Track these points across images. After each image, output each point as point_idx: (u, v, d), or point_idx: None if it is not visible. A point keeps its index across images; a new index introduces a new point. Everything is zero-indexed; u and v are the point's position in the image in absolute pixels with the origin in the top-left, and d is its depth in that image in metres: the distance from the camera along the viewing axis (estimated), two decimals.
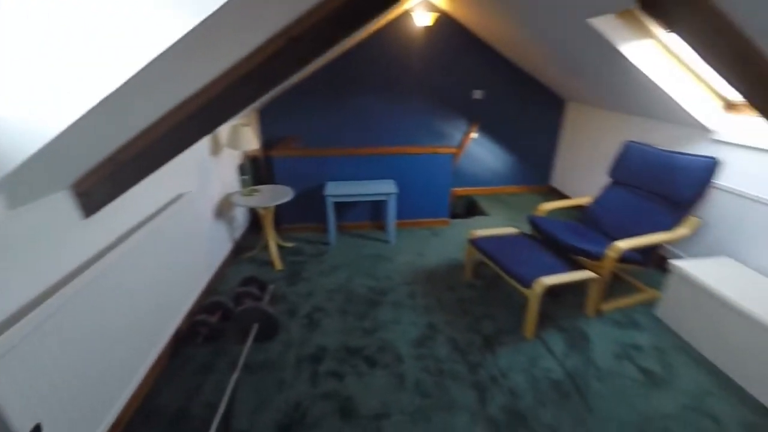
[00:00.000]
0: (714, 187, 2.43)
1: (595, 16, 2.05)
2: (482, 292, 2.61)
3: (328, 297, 2.58)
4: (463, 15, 3.51)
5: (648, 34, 2.27)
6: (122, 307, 1.65)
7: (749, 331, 1.79)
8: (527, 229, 2.79)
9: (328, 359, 2.05)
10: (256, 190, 2.92)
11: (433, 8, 3.61)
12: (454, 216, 4.34)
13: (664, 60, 2.35)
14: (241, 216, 3.39)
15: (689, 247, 2.63)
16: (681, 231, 2.31)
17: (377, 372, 1.97)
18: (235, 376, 1.84)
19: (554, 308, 2.42)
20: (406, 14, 3.62)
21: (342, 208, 3.48)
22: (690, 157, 2.35)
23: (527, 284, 2.06)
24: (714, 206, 2.45)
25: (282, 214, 3.44)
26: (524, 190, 4.51)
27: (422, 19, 3.54)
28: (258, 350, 2.11)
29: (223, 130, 2.89)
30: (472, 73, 3.94)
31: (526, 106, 4.15)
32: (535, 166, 4.46)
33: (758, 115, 1.74)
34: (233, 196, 2.86)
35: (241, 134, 2.71)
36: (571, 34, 2.49)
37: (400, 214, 3.53)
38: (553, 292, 2.56)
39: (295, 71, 1.65)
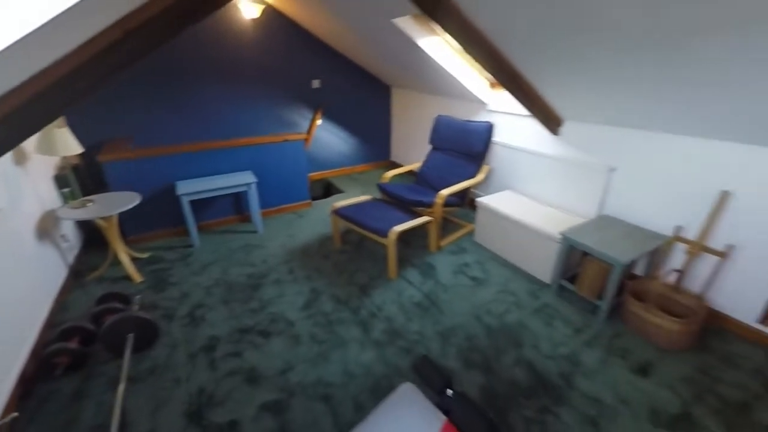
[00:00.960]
0: (494, 143, 3.41)
1: (397, 17, 2.61)
2: (352, 254, 3.03)
3: (207, 293, 2.56)
4: (289, 9, 3.73)
5: (436, 32, 3.00)
6: None
7: (526, 235, 2.70)
8: (378, 195, 3.32)
9: (223, 344, 2.12)
10: (89, 201, 2.58)
11: (259, 0, 3.71)
12: (314, 199, 4.65)
13: (450, 52, 3.13)
14: (72, 234, 2.90)
15: (487, 187, 3.62)
16: (479, 177, 3.19)
17: (273, 340, 2.15)
18: (121, 386, 1.74)
19: (408, 252, 3.02)
20: (232, 6, 3.62)
21: (201, 206, 3.35)
22: (476, 122, 3.23)
23: (384, 234, 2.55)
24: (496, 157, 3.45)
25: (127, 225, 3.09)
26: (370, 167, 5.14)
27: (249, 11, 3.61)
28: (141, 360, 2.00)
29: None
30: (308, 64, 4.23)
31: (360, 93, 4.70)
32: (376, 145, 5.13)
33: (505, 90, 2.59)
34: (59, 211, 2.46)
35: (55, 138, 2.33)
36: (382, 31, 3.04)
37: (264, 204, 3.63)
38: (404, 240, 3.18)
39: (131, 64, 1.63)
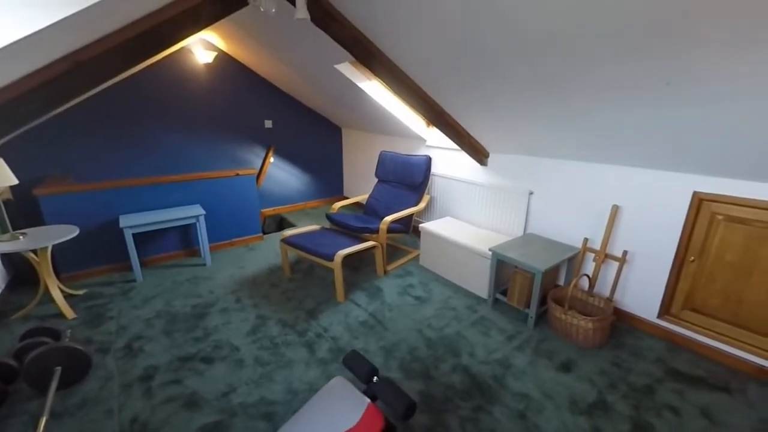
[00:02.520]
0: (434, 174, 3.73)
1: (338, 63, 2.94)
2: (301, 282, 3.08)
3: (147, 325, 2.49)
4: (241, 55, 4.01)
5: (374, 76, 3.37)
6: None
7: (463, 255, 2.93)
8: (328, 226, 3.47)
9: (162, 373, 2.06)
10: (21, 233, 2.49)
11: (212, 47, 3.96)
12: (266, 233, 4.69)
13: (388, 94, 3.51)
14: None
15: (430, 215, 3.89)
16: (421, 205, 3.46)
17: (216, 365, 2.13)
18: (43, 420, 1.64)
19: (357, 277, 3.14)
20: (186, 51, 3.83)
21: (147, 241, 3.29)
22: (416, 156, 3.55)
23: (330, 258, 2.67)
24: (436, 186, 3.77)
25: (63, 262, 2.97)
26: (324, 203, 5.31)
27: (203, 56, 3.84)
28: (70, 394, 1.90)
29: None
30: (261, 105, 4.46)
31: (311, 133, 4.97)
32: (328, 181, 5.34)
33: (435, 128, 2.94)
34: None
35: None
36: (326, 75, 3.37)
37: (214, 237, 3.63)
38: (353, 266, 3.30)
39: (79, 94, 1.72)
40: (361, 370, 1.31)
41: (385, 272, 3.23)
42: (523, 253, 2.53)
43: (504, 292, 2.68)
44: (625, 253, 2.40)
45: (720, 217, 2.04)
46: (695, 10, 1.18)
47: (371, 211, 3.68)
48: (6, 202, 2.88)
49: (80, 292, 2.87)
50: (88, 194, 2.98)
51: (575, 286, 2.52)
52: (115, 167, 3.72)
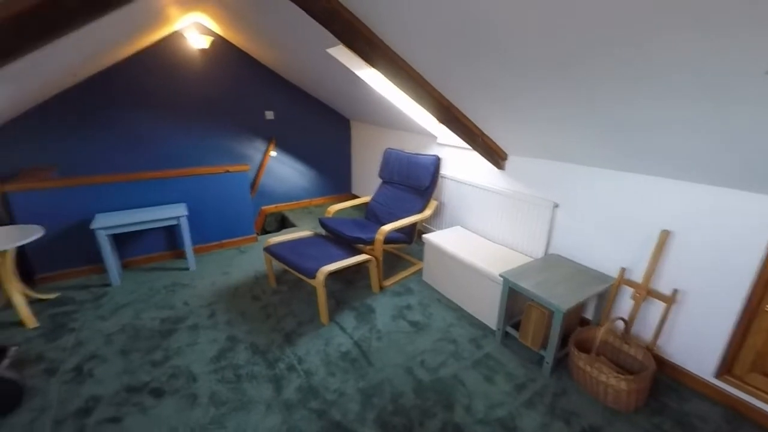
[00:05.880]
0: (444, 177, 3.27)
1: (330, 47, 2.52)
2: (286, 295, 2.75)
3: (106, 341, 2.24)
4: (239, 40, 3.67)
5: None
6: None
7: (470, 275, 2.49)
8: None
9: (102, 407, 1.78)
10: None
11: (208, 32, 3.65)
12: (266, 232, 4.41)
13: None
14: None
15: (439, 223, 3.45)
16: (426, 212, 3.02)
17: (165, 401, 1.83)
18: None
19: (350, 293, 2.77)
20: (178, 35, 3.53)
21: (127, 241, 3.07)
22: (423, 156, 3.10)
23: (311, 275, 2.30)
24: (446, 191, 3.31)
25: (36, 261, 2.78)
26: (329, 201, 4.95)
27: (197, 41, 3.53)
28: None
29: None
30: (261, 95, 4.13)
31: (317, 126, 4.60)
32: (335, 178, 4.98)
33: (442, 124, 2.48)
34: None
35: None
36: (321, 61, 2.96)
37: (203, 238, 3.37)
38: (347, 279, 2.94)
39: None
40: None
41: (382, 288, 2.83)
42: (541, 282, 2.06)
43: (517, 325, 2.23)
44: (675, 292, 1.87)
45: None
46: None
47: (372, 215, 3.28)
48: None
49: (52, 296, 2.67)
50: (63, 191, 2.76)
51: (607, 330, 2.03)
52: (101, 162, 3.50)
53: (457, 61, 1.82)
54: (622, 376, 1.73)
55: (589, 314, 2.32)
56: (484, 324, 2.44)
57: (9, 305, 2.44)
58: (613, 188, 2.08)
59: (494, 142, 2.60)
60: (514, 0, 1.22)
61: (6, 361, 1.93)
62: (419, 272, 3.07)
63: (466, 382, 1.96)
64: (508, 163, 2.71)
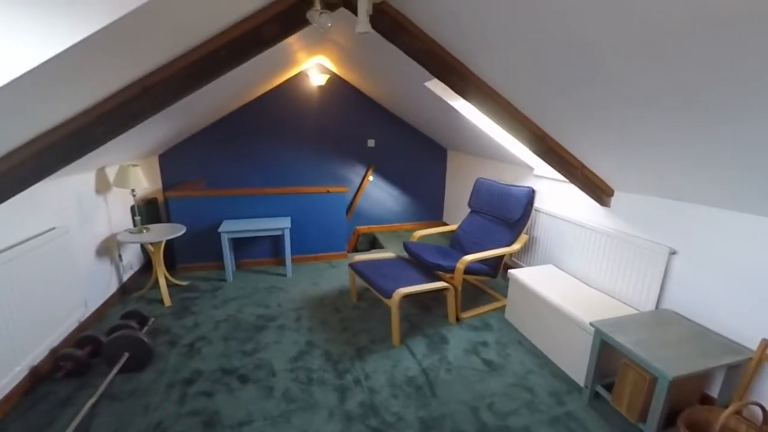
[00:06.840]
0: (538, 210, 3.06)
1: (428, 81, 2.67)
2: (364, 312, 2.87)
3: (214, 327, 2.65)
4: (349, 76, 4.13)
5: None
6: None
7: (558, 320, 2.25)
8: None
9: (201, 381, 2.11)
10: (145, 228, 2.98)
11: (326, 70, 4.20)
12: (357, 250, 4.68)
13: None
14: (134, 257, 3.36)
15: (529, 258, 3.20)
16: (515, 246, 2.85)
17: (248, 387, 2.07)
18: (91, 401, 1.82)
19: (425, 320, 2.75)
20: (303, 74, 4.16)
21: (242, 246, 3.62)
22: (516, 187, 2.97)
23: (388, 295, 2.37)
24: (539, 225, 3.08)
25: (179, 254, 3.48)
26: (420, 226, 5.02)
27: (317, 79, 4.09)
28: (128, 380, 2.10)
29: (112, 170, 2.97)
30: (365, 125, 4.53)
31: (415, 154, 4.80)
32: (428, 204, 5.06)
33: (536, 155, 2.36)
34: (120, 235, 2.88)
35: (129, 174, 2.82)
36: (420, 94, 3.13)
37: (300, 250, 3.76)
38: (424, 305, 2.93)
39: (150, 115, 1.82)
40: None
41: (458, 320, 2.74)
42: (644, 340, 1.75)
43: (611, 386, 1.91)
44: None
45: None
46: None
47: (457, 244, 3.24)
48: (149, 202, 3.53)
49: (184, 283, 3.29)
50: (205, 199, 3.43)
51: (734, 414, 1.60)
52: (235, 177, 4.26)
53: (555, 90, 1.75)
54: None
55: (714, 391, 1.86)
56: (570, 378, 2.15)
57: (155, 286, 3.08)
58: (752, 235, 1.68)
59: (597, 176, 2.36)
60: (622, 24, 1.16)
61: (146, 328, 2.45)
62: (501, 309, 2.89)
63: None
64: (615, 200, 2.41)
